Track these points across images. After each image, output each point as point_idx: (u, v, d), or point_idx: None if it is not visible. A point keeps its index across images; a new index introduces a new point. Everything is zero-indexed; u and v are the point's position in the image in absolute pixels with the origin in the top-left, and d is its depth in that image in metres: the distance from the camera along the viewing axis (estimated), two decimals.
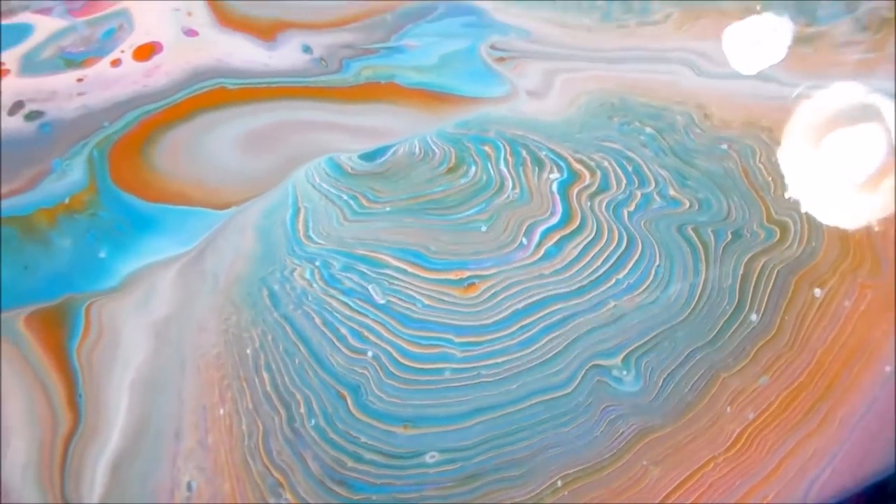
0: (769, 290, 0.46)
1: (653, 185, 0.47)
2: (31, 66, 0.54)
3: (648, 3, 0.53)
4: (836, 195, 0.47)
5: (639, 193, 0.47)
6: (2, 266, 0.48)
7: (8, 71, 0.54)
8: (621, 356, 0.44)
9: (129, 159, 0.50)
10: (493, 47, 0.52)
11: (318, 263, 0.45)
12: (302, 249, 0.46)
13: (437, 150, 0.48)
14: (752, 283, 0.45)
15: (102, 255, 0.47)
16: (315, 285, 0.45)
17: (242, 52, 0.53)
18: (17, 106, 0.52)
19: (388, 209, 0.47)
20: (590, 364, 0.44)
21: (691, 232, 0.46)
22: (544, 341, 0.44)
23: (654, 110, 0.49)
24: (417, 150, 0.48)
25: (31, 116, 0.52)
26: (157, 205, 0.49)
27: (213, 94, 0.52)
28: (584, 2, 0.54)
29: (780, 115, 0.50)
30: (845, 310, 0.45)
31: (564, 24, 0.53)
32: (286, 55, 0.53)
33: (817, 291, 0.45)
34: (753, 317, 0.45)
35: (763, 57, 0.51)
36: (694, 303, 0.45)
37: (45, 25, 0.56)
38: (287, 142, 0.49)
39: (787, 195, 0.47)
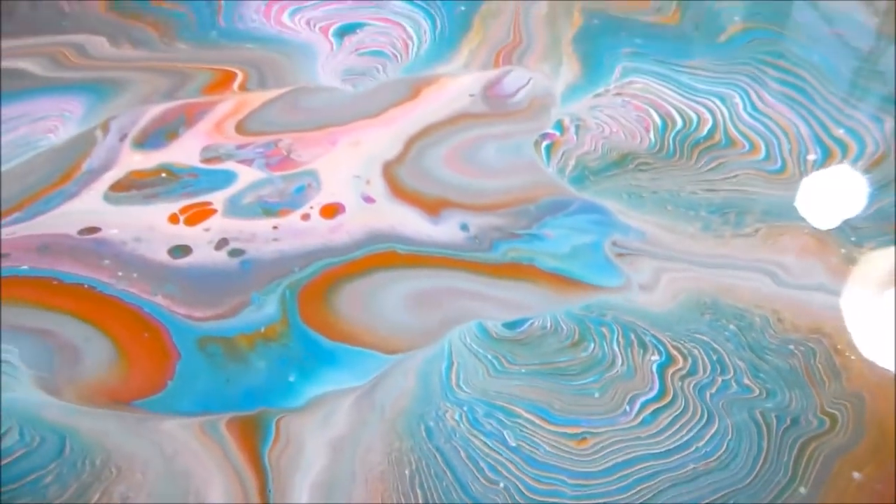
0: (817, 468, 0.65)
1: (731, 373, 0.67)
2: (234, 209, 0.74)
3: (743, 217, 0.73)
4: (882, 392, 0.66)
5: (720, 379, 0.66)
6: (208, 378, 0.66)
7: (216, 211, 0.73)
8: None
9: (315, 302, 0.69)
10: (614, 244, 0.72)
11: (465, 408, 0.64)
12: (453, 395, 0.65)
13: (564, 327, 0.67)
14: (804, 462, 0.64)
15: (291, 378, 0.66)
16: (462, 425, 0.64)
17: (411, 223, 0.74)
18: (222, 242, 0.72)
19: (523, 371, 0.66)
20: None
21: (759, 415, 0.65)
22: (637, 490, 0.63)
23: (738, 311, 0.69)
24: (549, 324, 0.68)
25: (234, 253, 0.71)
26: (338, 343, 0.68)
27: (386, 256, 0.72)
28: (689, 212, 0.74)
29: (840, 324, 0.69)
30: (877, 492, 0.63)
31: (673, 230, 0.73)
32: (447, 230, 0.73)
33: (856, 474, 0.63)
34: (802, 489, 0.63)
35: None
36: (756, 472, 0.64)
37: (247, 174, 0.76)
38: (445, 305, 0.69)
39: (839, 391, 0.66)
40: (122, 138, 0.83)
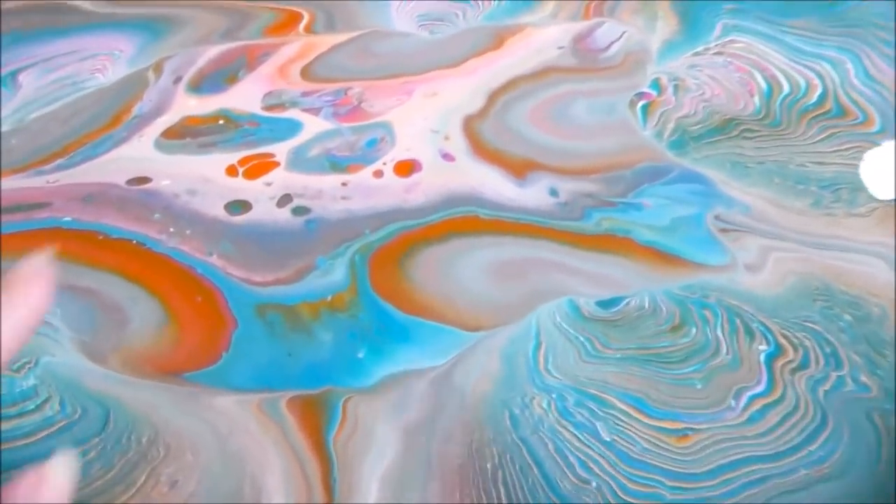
0: None
1: (847, 368, 0.58)
2: (299, 162, 0.65)
3: (856, 195, 0.64)
4: None
5: (834, 375, 0.58)
6: (267, 350, 0.58)
7: (278, 164, 0.65)
8: None
9: (388, 269, 0.61)
10: (717, 218, 0.63)
11: (554, 396, 0.57)
12: (541, 380, 0.57)
13: (663, 308, 0.59)
14: None
15: (360, 355, 0.58)
16: (550, 415, 0.56)
17: (494, 185, 0.65)
18: (285, 198, 0.64)
19: (618, 356, 0.58)
20: None
21: (878, 418, 0.57)
22: (743, 496, 0.55)
23: (852, 299, 0.60)
24: (647, 305, 0.59)
25: (298, 211, 0.63)
26: (413, 317, 0.60)
27: (466, 221, 0.63)
28: (798, 186, 0.65)
29: None
30: None
31: (780, 204, 0.64)
32: (534, 194, 0.64)
33: None
34: None
35: None
36: (874, 483, 0.55)
37: (313, 125, 0.68)
38: (532, 278, 0.61)
39: None
40: (177, 81, 0.74)
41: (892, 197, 0.67)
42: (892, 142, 0.69)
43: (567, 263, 0.63)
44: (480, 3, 0.80)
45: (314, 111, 0.71)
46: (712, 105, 0.71)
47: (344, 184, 0.66)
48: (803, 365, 0.59)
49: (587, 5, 0.80)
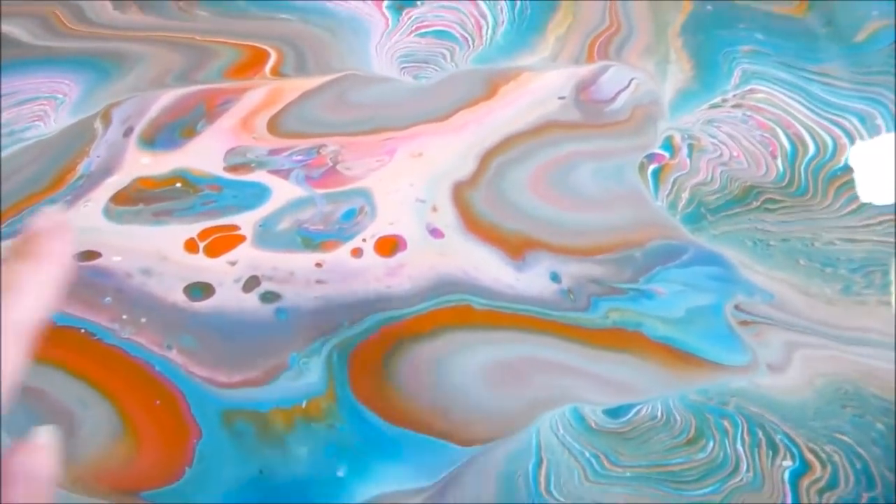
0: None
1: (879, 488, 0.50)
2: (267, 237, 0.56)
3: (890, 278, 0.55)
4: None
5: (865, 496, 0.50)
6: (235, 465, 0.49)
7: (244, 238, 0.55)
8: None
9: (370, 371, 0.52)
10: (737, 308, 0.55)
11: None
12: None
13: (678, 418, 0.51)
14: None
15: (340, 473, 0.49)
16: None
17: (489, 267, 0.56)
18: (252, 281, 0.54)
19: (628, 474, 0.50)
20: None
21: None
22: None
23: (886, 404, 0.53)
24: (660, 413, 0.52)
25: (267, 297, 0.54)
26: (399, 428, 0.52)
27: (458, 312, 0.55)
28: (826, 269, 0.56)
29: None
30: None
31: (807, 291, 0.56)
32: (533, 279, 0.55)
33: None
34: None
35: None
36: None
37: (282, 190, 0.58)
38: (532, 381, 0.53)
39: None
40: (128, 133, 0.63)
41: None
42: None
43: (571, 364, 0.54)
44: (470, 41, 0.69)
45: (283, 173, 0.61)
46: (731, 170, 0.62)
47: (318, 264, 0.57)
48: (832, 484, 0.52)
49: (591, 42, 0.69)
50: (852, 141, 0.65)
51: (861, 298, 0.58)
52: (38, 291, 0.25)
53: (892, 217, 0.61)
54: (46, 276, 0.26)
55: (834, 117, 0.66)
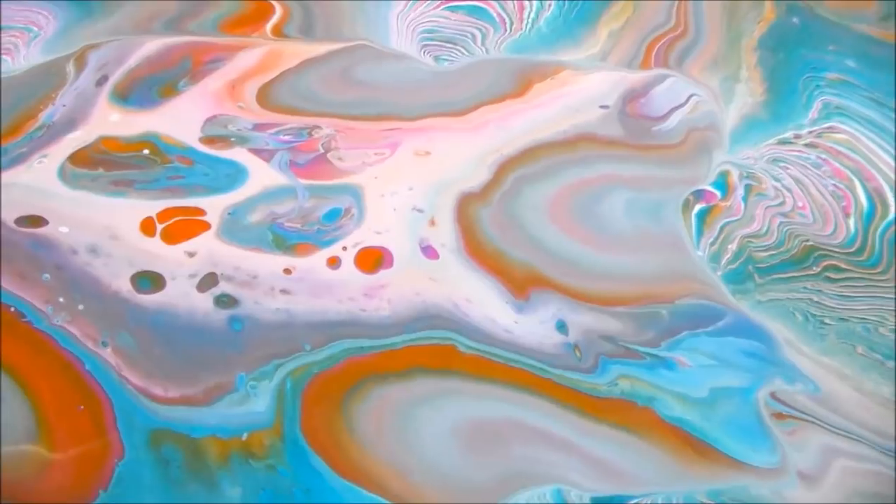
0: None
1: None
2: (234, 227, 0.46)
3: None
4: None
5: None
6: (156, 497, 0.40)
7: (208, 226, 0.45)
8: None
9: (327, 407, 0.44)
10: (773, 396, 0.45)
11: None
12: None
13: None
14: None
15: None
16: None
17: (485, 302, 0.45)
18: (209, 279, 0.44)
19: None
20: None
21: None
22: None
23: None
24: None
25: (222, 302, 0.44)
26: (348, 483, 0.44)
27: (440, 352, 0.45)
28: (888, 363, 0.44)
29: None
30: None
31: (860, 388, 0.45)
32: (535, 326, 0.45)
33: None
34: None
35: None
36: None
37: (261, 174, 0.47)
38: (513, 452, 0.44)
39: None
40: (101, 82, 0.53)
41: None
42: None
43: (563, 436, 0.45)
44: (507, 24, 0.56)
45: (266, 154, 0.50)
46: (792, 223, 0.49)
47: (287, 270, 0.46)
48: None
49: (650, 44, 0.55)
50: None
51: None
52: None
53: None
54: None
55: None
